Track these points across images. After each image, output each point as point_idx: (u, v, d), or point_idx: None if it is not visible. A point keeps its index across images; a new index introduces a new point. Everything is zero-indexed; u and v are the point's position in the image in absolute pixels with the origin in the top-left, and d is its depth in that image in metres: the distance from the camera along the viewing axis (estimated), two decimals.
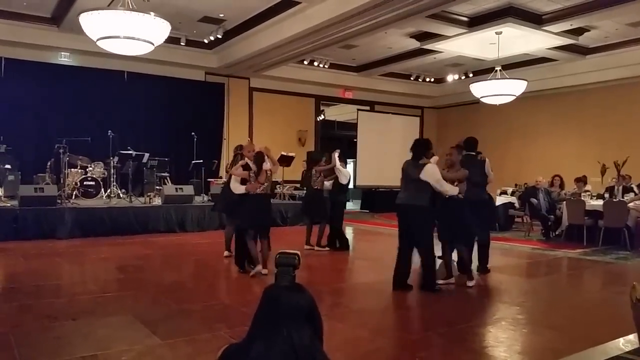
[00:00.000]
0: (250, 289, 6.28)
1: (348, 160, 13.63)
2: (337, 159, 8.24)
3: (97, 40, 8.56)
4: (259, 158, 6.37)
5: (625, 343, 3.84)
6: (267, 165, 6.38)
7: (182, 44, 12.63)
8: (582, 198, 9.90)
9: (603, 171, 10.73)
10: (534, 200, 10.27)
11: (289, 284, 1.74)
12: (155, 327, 4.18)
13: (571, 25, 11.10)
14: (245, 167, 6.47)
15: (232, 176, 6.71)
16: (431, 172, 5.60)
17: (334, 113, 19.00)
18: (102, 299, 5.29)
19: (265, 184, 6.35)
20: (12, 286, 5.86)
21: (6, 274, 6.59)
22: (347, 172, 8.47)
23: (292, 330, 1.61)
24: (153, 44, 8.82)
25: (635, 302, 1.84)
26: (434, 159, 5.84)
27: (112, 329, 4.21)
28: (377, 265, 7.31)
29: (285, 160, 12.04)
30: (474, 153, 6.69)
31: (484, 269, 6.74)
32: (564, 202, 9.89)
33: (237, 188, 6.55)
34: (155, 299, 5.29)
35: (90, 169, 10.93)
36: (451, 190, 5.73)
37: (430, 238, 5.73)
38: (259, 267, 6.37)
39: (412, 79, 16.86)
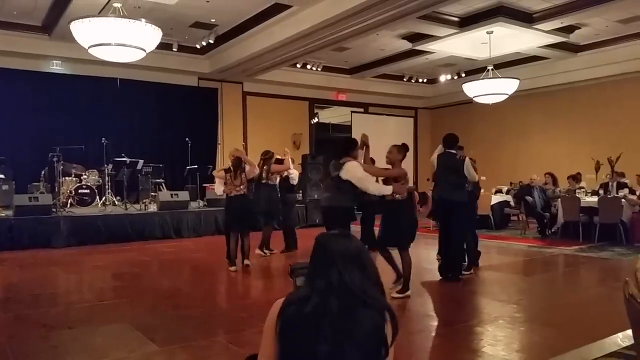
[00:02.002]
0: (248, 294, 6.28)
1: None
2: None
3: (89, 47, 8.55)
4: (235, 162, 7.03)
5: (622, 339, 3.85)
6: (247, 167, 7.07)
7: (174, 49, 12.61)
8: (577, 195, 9.94)
9: (597, 168, 10.79)
10: (529, 198, 10.30)
11: (338, 232, 1.83)
12: (153, 334, 4.16)
13: (562, 23, 11.15)
14: (227, 170, 7.08)
15: (216, 178, 7.41)
16: (352, 171, 5.23)
17: (328, 116, 19.00)
18: (99, 307, 5.27)
19: (242, 185, 6.97)
20: (9, 296, 5.84)
21: (2, 284, 6.54)
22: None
23: (343, 271, 1.69)
24: (145, 51, 8.81)
25: (628, 297, 1.84)
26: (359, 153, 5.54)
27: (109, 337, 4.20)
28: None
29: (281, 163, 12.01)
30: (453, 151, 6.34)
31: (470, 265, 6.59)
32: (559, 199, 9.92)
33: (218, 190, 7.27)
34: (152, 305, 5.27)
35: (85, 177, 10.89)
36: (377, 189, 5.31)
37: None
38: (239, 264, 7.05)
39: (405, 80, 16.88)
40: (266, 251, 8.17)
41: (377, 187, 5.32)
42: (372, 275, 1.77)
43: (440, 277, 6.28)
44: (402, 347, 4.05)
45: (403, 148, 5.63)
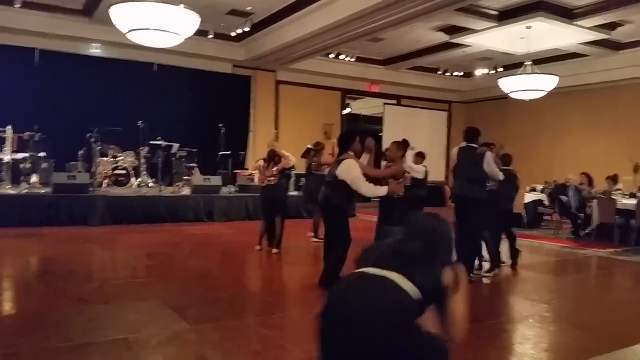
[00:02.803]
0: (277, 279, 6.36)
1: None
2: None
3: (127, 32, 8.72)
4: (269, 154, 7.35)
5: None
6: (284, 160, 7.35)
7: (210, 37, 12.74)
8: (614, 197, 9.69)
9: (636, 170, 10.50)
10: (564, 198, 10.09)
11: (433, 214, 2.12)
12: (184, 312, 4.26)
13: (604, 20, 10.84)
14: (266, 161, 7.38)
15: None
16: (346, 171, 4.96)
17: (360, 107, 18.95)
18: (133, 284, 5.42)
19: (272, 176, 7.24)
20: (47, 270, 6.06)
21: (41, 259, 6.79)
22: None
23: (410, 240, 2.03)
24: (182, 37, 8.94)
25: None
26: (364, 158, 5.34)
27: (142, 313, 4.32)
28: None
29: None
30: (474, 145, 6.05)
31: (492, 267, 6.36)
32: (595, 200, 9.69)
33: (256, 179, 7.72)
34: (183, 285, 5.39)
35: (122, 158, 11.13)
36: (370, 191, 5.03)
37: (342, 237, 5.15)
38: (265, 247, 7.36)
39: (440, 73, 16.68)
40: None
41: (369, 189, 5.02)
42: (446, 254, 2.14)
43: None
44: None
45: (403, 145, 5.59)
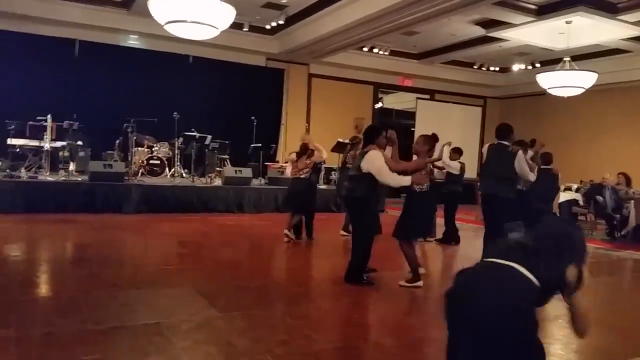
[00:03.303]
0: (304, 270, 6.42)
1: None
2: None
3: (165, 24, 8.87)
4: (302, 147, 7.43)
5: None
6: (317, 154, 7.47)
7: (244, 29, 12.85)
8: None
9: None
10: (599, 198, 9.85)
11: (570, 220, 2.12)
12: (214, 300, 4.35)
13: None
14: (298, 154, 7.47)
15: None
16: (370, 161, 5.04)
17: (392, 101, 18.82)
18: (164, 271, 5.55)
19: (304, 170, 7.33)
20: (82, 255, 6.25)
21: (77, 244, 7.01)
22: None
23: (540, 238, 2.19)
24: (218, 29, 9.04)
25: None
26: (388, 150, 5.34)
27: (174, 299, 4.43)
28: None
29: (342, 147, 12.07)
30: (506, 143, 5.88)
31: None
32: (632, 201, 9.42)
33: (287, 171, 7.92)
34: (214, 274, 5.50)
35: (156, 148, 11.36)
36: (395, 180, 5.08)
37: (364, 230, 5.24)
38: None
39: (475, 67, 16.41)
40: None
41: (393, 178, 5.07)
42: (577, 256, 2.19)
43: None
44: None
45: (431, 138, 5.42)
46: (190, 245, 7.24)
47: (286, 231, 7.59)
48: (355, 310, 4.56)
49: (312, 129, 14.99)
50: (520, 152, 5.83)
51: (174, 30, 9.11)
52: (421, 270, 5.40)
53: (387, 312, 4.66)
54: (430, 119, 16.62)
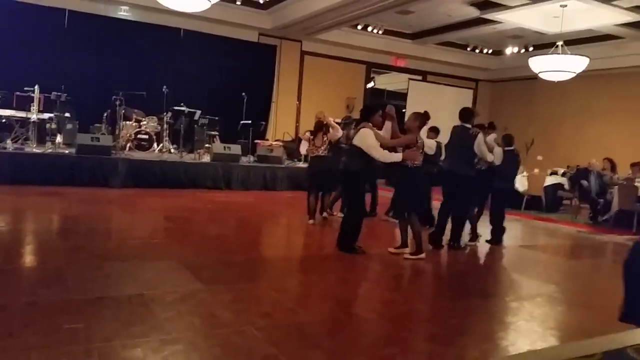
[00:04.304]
0: (290, 246, 6.47)
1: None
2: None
3: None
4: (317, 124, 7.26)
5: None
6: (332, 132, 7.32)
7: (237, 3, 12.68)
8: (636, 184, 9.52)
9: None
10: (584, 182, 9.96)
11: None
12: (199, 273, 4.39)
13: None
14: (312, 132, 7.39)
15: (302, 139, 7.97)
16: (362, 138, 5.34)
17: (384, 82, 18.74)
18: (150, 244, 5.57)
19: (322, 147, 7.18)
20: (68, 227, 6.24)
21: (62, 216, 6.99)
22: None
23: None
24: (210, 1, 8.93)
25: None
26: (387, 125, 5.58)
27: (159, 272, 4.45)
28: None
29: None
30: (468, 125, 6.28)
31: (453, 242, 6.38)
32: (616, 186, 9.54)
33: (302, 149, 7.78)
34: (200, 248, 5.52)
35: (145, 122, 11.25)
36: (384, 156, 5.33)
37: (357, 203, 5.57)
38: (318, 218, 7.38)
39: (468, 49, 16.35)
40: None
41: (383, 154, 5.32)
42: None
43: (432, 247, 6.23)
44: (437, 313, 4.12)
45: (422, 116, 5.66)
46: (177, 220, 7.25)
47: (325, 214, 7.68)
48: (339, 285, 4.62)
49: (303, 107, 14.97)
50: (480, 135, 6.23)
51: (166, 1, 8.99)
52: (422, 256, 5.55)
53: (371, 288, 4.74)
54: (422, 100, 16.56)
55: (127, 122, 11.07)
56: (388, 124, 5.65)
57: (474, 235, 6.81)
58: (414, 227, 5.54)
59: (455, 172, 6.19)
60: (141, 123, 11.22)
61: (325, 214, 7.64)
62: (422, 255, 5.53)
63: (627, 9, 10.83)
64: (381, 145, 5.36)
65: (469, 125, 6.30)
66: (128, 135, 10.91)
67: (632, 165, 10.34)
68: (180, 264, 4.66)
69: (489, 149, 6.41)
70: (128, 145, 10.80)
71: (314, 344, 3.19)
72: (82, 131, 10.48)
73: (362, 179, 5.56)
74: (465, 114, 6.39)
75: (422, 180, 5.73)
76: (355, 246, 5.56)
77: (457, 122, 6.38)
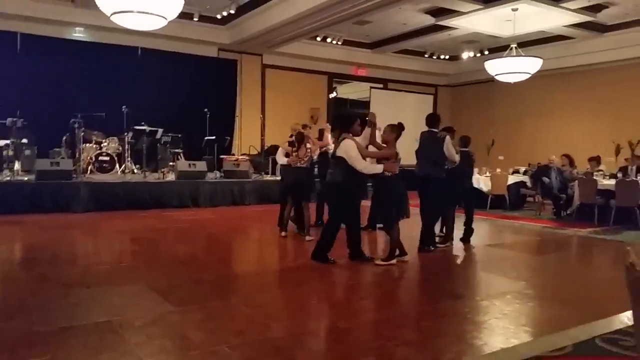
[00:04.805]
0: (262, 260, 6.41)
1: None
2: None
3: (111, 15, 8.62)
4: (299, 136, 7.12)
5: (630, 317, 3.87)
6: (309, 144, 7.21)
7: (195, 19, 12.63)
8: (595, 177, 9.84)
9: (617, 151, 10.65)
10: (545, 179, 10.22)
11: None
12: (168, 295, 4.30)
13: (589, 1, 10.91)
14: (291, 143, 7.29)
15: (279, 149, 7.77)
16: (345, 149, 5.44)
17: (346, 91, 18.92)
18: (117, 269, 5.43)
19: (305, 158, 7.03)
20: (30, 256, 6.05)
21: (24, 245, 6.77)
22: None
23: None
24: (166, 19, 8.85)
25: (628, 265, 1.89)
26: (366, 131, 5.69)
27: (126, 296, 4.34)
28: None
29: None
30: (434, 130, 6.62)
31: (424, 246, 6.52)
32: (576, 181, 9.83)
33: (281, 159, 7.54)
34: (168, 269, 5.41)
35: (105, 144, 11.06)
36: (367, 168, 5.46)
37: (343, 214, 5.64)
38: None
39: (426, 56, 16.69)
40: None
41: (365, 166, 5.48)
42: None
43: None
44: (410, 318, 4.14)
45: (397, 127, 5.78)
46: (144, 242, 7.10)
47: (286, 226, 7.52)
48: (313, 296, 4.60)
49: (267, 120, 14.96)
50: (447, 137, 6.54)
51: (121, 21, 8.86)
52: (392, 261, 5.62)
53: (344, 297, 4.73)
54: (384, 107, 16.79)
55: (87, 145, 10.86)
56: (367, 130, 5.77)
57: (448, 237, 7.03)
58: (393, 234, 5.64)
59: (427, 175, 6.42)
60: (102, 145, 11.02)
61: (309, 237, 7.05)
62: (394, 261, 5.62)
63: (574, 10, 11.26)
64: (363, 157, 5.50)
65: (436, 130, 6.62)
66: (89, 158, 10.69)
67: (590, 159, 10.69)
68: (148, 286, 4.56)
69: (456, 151, 6.71)
70: (89, 168, 10.57)
71: (288, 359, 3.16)
72: (41, 156, 10.23)
73: (347, 190, 5.58)
74: (432, 120, 6.72)
75: (401, 185, 5.79)
76: (330, 258, 5.61)
77: (419, 128, 6.61)
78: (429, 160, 6.49)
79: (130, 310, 3.93)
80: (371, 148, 5.81)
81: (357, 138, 5.64)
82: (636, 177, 9.62)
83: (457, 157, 6.65)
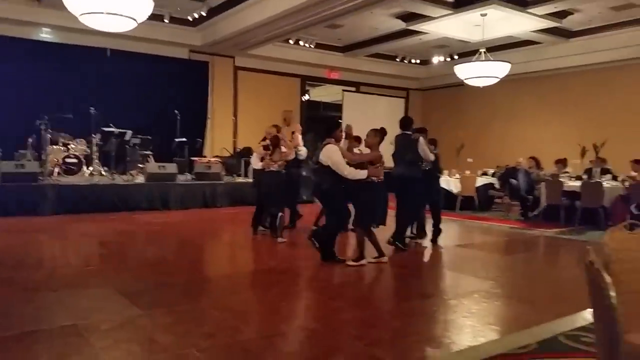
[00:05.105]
0: (233, 263, 6.38)
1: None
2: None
3: (79, 15, 8.45)
4: (274, 140, 7.12)
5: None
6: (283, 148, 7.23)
7: (165, 20, 12.47)
8: (561, 179, 10.08)
9: (583, 153, 10.92)
10: (513, 180, 10.44)
11: None
12: (136, 299, 4.23)
13: (555, 7, 11.16)
14: (266, 147, 7.26)
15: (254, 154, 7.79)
16: (328, 155, 5.45)
17: (319, 94, 18.98)
18: (84, 272, 5.34)
19: (280, 162, 7.04)
20: None
21: None
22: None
23: None
24: (136, 21, 8.73)
25: (587, 263, 1.95)
26: (344, 142, 5.79)
27: (93, 300, 4.26)
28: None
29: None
30: (408, 132, 6.85)
31: (396, 240, 6.68)
32: (543, 182, 10.06)
33: (255, 163, 7.54)
34: (137, 272, 5.34)
35: (73, 146, 10.83)
36: (351, 173, 5.44)
37: (334, 220, 5.75)
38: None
39: (397, 60, 16.85)
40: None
41: (350, 172, 5.47)
42: None
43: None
44: (379, 317, 4.18)
45: (380, 132, 5.85)
46: (112, 245, 6.98)
47: (261, 228, 7.57)
48: (283, 298, 4.59)
49: (240, 123, 14.89)
50: (421, 138, 6.75)
51: (90, 22, 8.69)
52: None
53: (315, 298, 4.74)
54: (357, 110, 16.92)
55: (54, 147, 10.61)
56: (345, 142, 5.91)
57: (423, 233, 7.30)
58: (371, 237, 5.69)
59: (404, 175, 6.62)
60: (69, 147, 10.79)
61: (281, 239, 7.04)
62: (364, 262, 5.65)
63: (541, 16, 11.52)
64: (347, 163, 5.51)
65: (409, 132, 6.84)
66: (55, 160, 10.45)
67: (556, 161, 10.95)
68: (116, 290, 4.49)
69: (430, 150, 6.94)
70: (56, 170, 10.33)
71: None
72: (6, 158, 9.93)
73: (337, 195, 5.61)
74: (405, 123, 6.96)
75: (383, 191, 5.81)
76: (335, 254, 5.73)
77: (392, 131, 6.70)
78: (405, 161, 6.69)
79: (96, 314, 3.86)
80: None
81: (344, 149, 5.70)
82: (600, 179, 9.90)
83: (432, 157, 6.90)
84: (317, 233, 5.88)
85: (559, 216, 9.59)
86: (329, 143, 5.53)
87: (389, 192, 5.94)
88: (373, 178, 5.50)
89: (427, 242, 7.28)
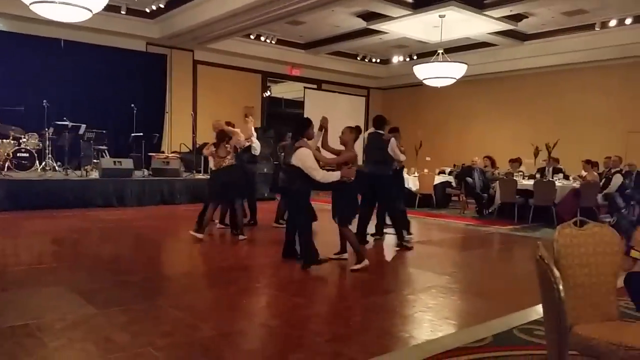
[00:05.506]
0: (191, 261, 6.29)
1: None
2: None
3: (30, 4, 8.16)
4: (219, 135, 6.95)
5: None
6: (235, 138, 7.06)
7: (122, 12, 12.19)
8: (515, 178, 10.39)
9: (536, 153, 11.28)
10: (469, 179, 10.71)
11: None
12: (91, 297, 4.13)
13: (511, 11, 11.50)
14: (216, 144, 6.96)
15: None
16: (301, 158, 5.29)
17: (281, 90, 18.91)
18: (35, 270, 5.15)
19: (228, 156, 6.87)
20: None
21: None
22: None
23: None
24: (91, 11, 8.49)
25: (538, 258, 2.03)
26: (314, 139, 5.59)
27: (45, 299, 4.13)
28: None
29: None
30: (380, 131, 6.96)
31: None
32: (497, 181, 10.35)
33: (212, 164, 7.24)
34: (91, 271, 5.20)
35: (24, 140, 10.46)
36: (324, 177, 5.30)
37: (303, 220, 5.55)
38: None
39: (358, 58, 16.99)
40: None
41: (323, 176, 5.31)
42: None
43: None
44: (340, 313, 4.21)
45: (356, 130, 5.85)
46: (65, 242, 6.77)
47: (219, 225, 7.57)
48: (243, 296, 4.56)
49: (200, 118, 14.65)
50: (392, 139, 6.86)
51: (42, 11, 8.40)
52: (365, 262, 5.49)
53: (276, 295, 4.73)
54: (318, 108, 16.89)
55: (4, 140, 10.24)
56: (319, 134, 5.70)
57: (381, 231, 7.40)
58: (350, 237, 5.57)
59: (375, 173, 6.74)
60: (20, 140, 10.42)
61: (242, 237, 6.97)
62: (366, 262, 5.48)
63: (497, 18, 11.85)
64: (321, 165, 5.40)
65: (382, 132, 6.95)
66: (6, 154, 10.07)
67: (511, 161, 11.30)
68: (70, 288, 4.36)
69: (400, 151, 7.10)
70: (6, 165, 9.96)
71: (218, 359, 3.13)
72: None
73: (305, 197, 5.56)
74: (379, 122, 7.06)
75: (354, 187, 5.78)
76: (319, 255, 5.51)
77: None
78: (376, 160, 6.83)
79: (49, 313, 3.75)
80: (325, 153, 5.77)
81: (309, 142, 5.49)
82: (553, 178, 10.26)
83: (402, 157, 7.07)
84: (292, 245, 5.77)
85: (513, 214, 9.89)
86: (301, 146, 5.35)
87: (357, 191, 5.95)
88: (344, 178, 5.37)
89: (387, 240, 7.36)
